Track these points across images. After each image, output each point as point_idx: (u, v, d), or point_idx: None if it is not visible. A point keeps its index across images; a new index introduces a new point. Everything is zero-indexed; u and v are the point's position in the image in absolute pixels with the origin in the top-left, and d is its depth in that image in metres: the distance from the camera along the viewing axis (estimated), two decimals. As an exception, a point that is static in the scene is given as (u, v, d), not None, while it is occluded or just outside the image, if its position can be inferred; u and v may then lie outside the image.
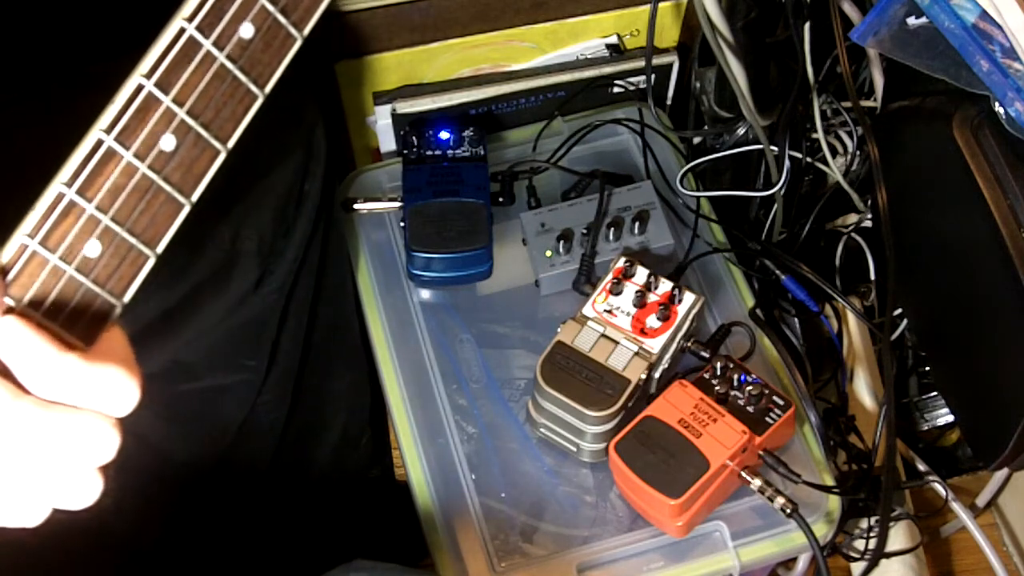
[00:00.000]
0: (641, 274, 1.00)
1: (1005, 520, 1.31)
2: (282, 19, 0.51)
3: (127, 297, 0.52)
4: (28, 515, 0.52)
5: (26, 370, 0.49)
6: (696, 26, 1.09)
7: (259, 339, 1.00)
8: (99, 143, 0.49)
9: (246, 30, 0.51)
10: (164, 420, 1.10)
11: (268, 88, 0.53)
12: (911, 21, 0.91)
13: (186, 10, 0.49)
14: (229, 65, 0.51)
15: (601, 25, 1.18)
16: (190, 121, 0.51)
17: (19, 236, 0.49)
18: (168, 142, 0.51)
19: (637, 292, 0.99)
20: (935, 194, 1.02)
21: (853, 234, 1.22)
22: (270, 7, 0.51)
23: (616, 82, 1.20)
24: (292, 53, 0.53)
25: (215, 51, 0.50)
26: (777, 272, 1.10)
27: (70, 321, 0.51)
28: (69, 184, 0.49)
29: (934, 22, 0.87)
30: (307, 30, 0.53)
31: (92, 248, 0.50)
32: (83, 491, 0.52)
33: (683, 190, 1.14)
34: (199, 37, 0.50)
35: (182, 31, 0.49)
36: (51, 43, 0.83)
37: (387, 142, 1.19)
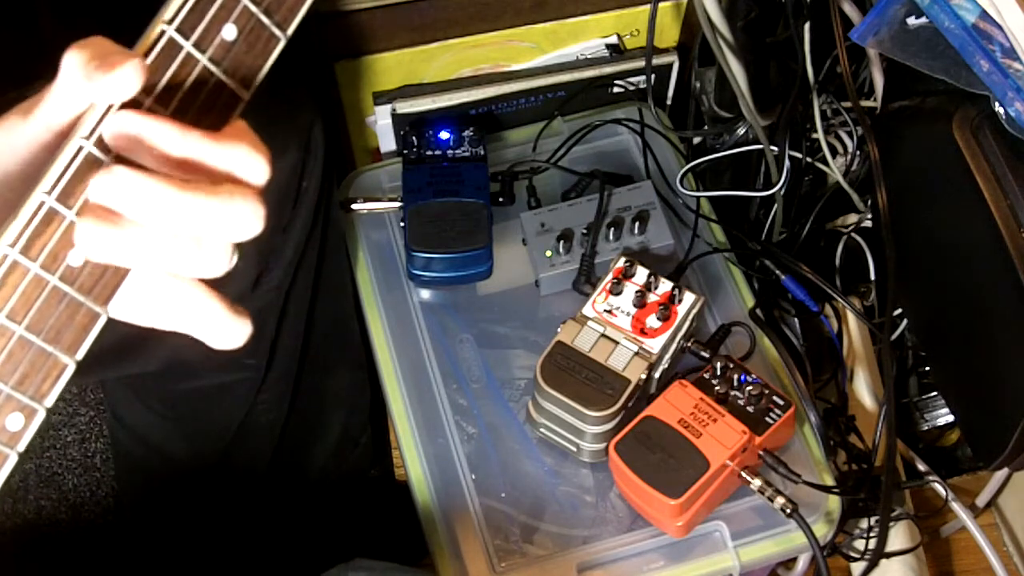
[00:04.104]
0: (641, 274, 1.00)
1: (1005, 520, 1.31)
2: (265, 19, 0.51)
3: (110, 307, 0.52)
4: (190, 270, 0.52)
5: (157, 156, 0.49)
6: (696, 26, 1.09)
7: (258, 338, 1.00)
8: (80, 149, 0.49)
9: (228, 32, 0.50)
10: (164, 419, 1.11)
11: (252, 89, 0.52)
12: (911, 21, 0.91)
13: (167, 13, 0.49)
14: (212, 68, 0.51)
15: (601, 25, 1.18)
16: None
17: (1, 246, 0.49)
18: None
19: (637, 292, 0.99)
20: (935, 194, 1.02)
21: (853, 234, 1.22)
22: (253, 7, 0.50)
23: (616, 82, 1.20)
24: (276, 54, 0.52)
25: (196, 53, 0.50)
26: (777, 272, 1.10)
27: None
28: (50, 192, 0.48)
29: (934, 22, 0.87)
30: (291, 30, 0.52)
31: (75, 256, 0.50)
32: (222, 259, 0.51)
33: (683, 190, 1.14)
34: (179, 39, 0.49)
35: (162, 33, 0.49)
36: None
37: (387, 142, 1.19)
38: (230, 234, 0.50)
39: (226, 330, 0.54)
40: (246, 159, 0.50)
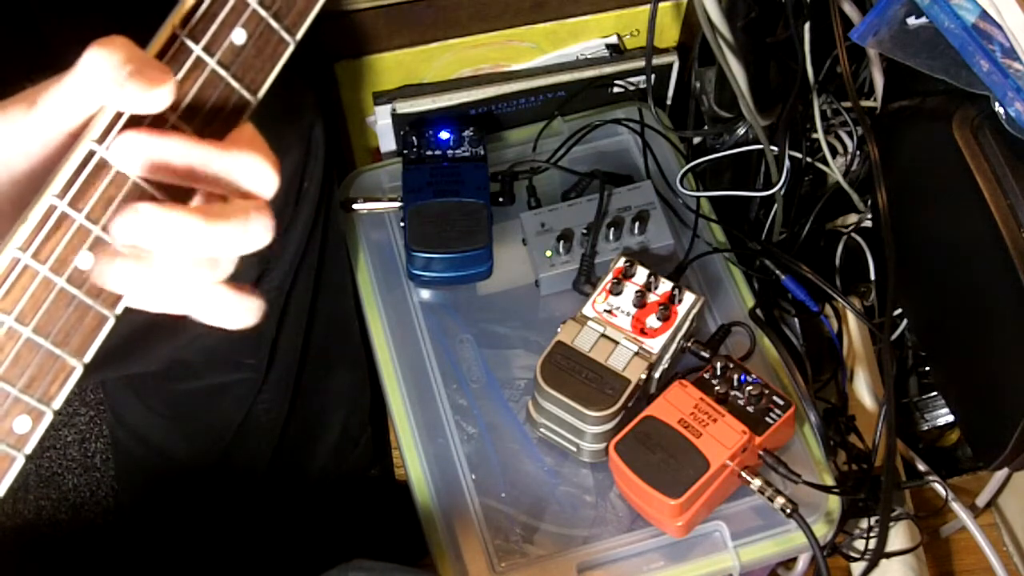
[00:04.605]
0: (641, 274, 1.00)
1: (1005, 520, 1.31)
2: (274, 24, 0.51)
3: (118, 310, 0.52)
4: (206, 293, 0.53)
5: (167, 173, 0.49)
6: (696, 26, 1.09)
7: (258, 338, 1.00)
8: (91, 153, 0.49)
9: (238, 36, 0.50)
10: (165, 419, 1.11)
11: (260, 94, 0.52)
12: (911, 21, 0.91)
13: (177, 16, 0.49)
14: (221, 72, 0.50)
15: (601, 25, 1.17)
16: (181, 126, 0.50)
17: (10, 249, 0.49)
18: None
19: (637, 292, 0.99)
20: (935, 194, 1.02)
21: (853, 234, 1.22)
22: (262, 12, 0.50)
23: (616, 82, 1.20)
24: (285, 58, 0.52)
25: (206, 57, 0.50)
26: (777, 272, 1.10)
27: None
28: (60, 196, 0.48)
29: (934, 22, 0.87)
30: (300, 34, 0.52)
31: (84, 259, 0.50)
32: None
33: (683, 190, 1.14)
34: (190, 43, 0.49)
35: (173, 36, 0.49)
36: None
37: (387, 142, 1.19)
38: (244, 250, 0.51)
39: (234, 312, 0.54)
40: (257, 170, 0.51)
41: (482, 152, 1.11)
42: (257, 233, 0.51)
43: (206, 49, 0.50)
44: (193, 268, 0.50)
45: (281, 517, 1.18)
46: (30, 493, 1.29)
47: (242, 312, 0.54)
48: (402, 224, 1.08)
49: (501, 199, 1.12)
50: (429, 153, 1.11)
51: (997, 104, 0.89)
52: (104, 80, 0.47)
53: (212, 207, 0.50)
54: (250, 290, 0.54)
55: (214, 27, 0.49)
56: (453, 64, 1.16)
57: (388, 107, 1.15)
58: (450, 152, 1.11)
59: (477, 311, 1.08)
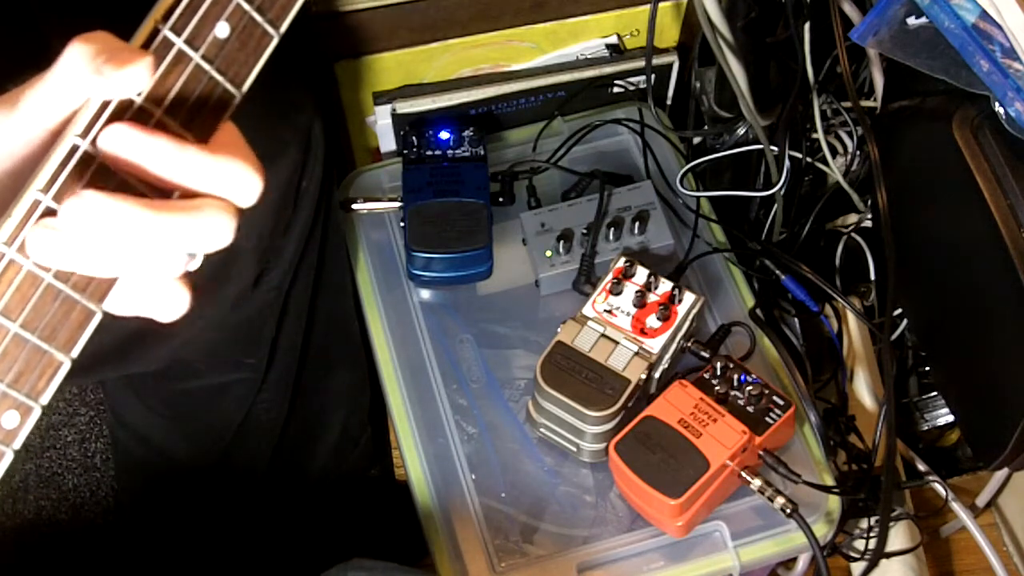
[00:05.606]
0: (641, 274, 1.00)
1: (1005, 520, 1.31)
2: (258, 17, 0.51)
3: (105, 305, 0.52)
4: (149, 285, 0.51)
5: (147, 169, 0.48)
6: (696, 26, 1.09)
7: (258, 337, 1.00)
8: (75, 147, 0.49)
9: (221, 29, 0.50)
10: (165, 419, 1.11)
11: (245, 87, 0.52)
12: (911, 21, 0.91)
13: (160, 10, 0.49)
14: (205, 65, 0.50)
15: (601, 25, 1.18)
16: (166, 121, 0.50)
17: None
18: None
19: (637, 292, 0.99)
20: (935, 194, 1.02)
21: (853, 234, 1.22)
22: (245, 5, 0.50)
23: (616, 82, 1.20)
24: (269, 52, 0.52)
25: (189, 50, 0.50)
26: (777, 272, 1.10)
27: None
28: (44, 190, 0.48)
29: (934, 22, 0.87)
30: (283, 28, 0.52)
31: None
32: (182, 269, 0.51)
33: (683, 190, 1.14)
34: (172, 37, 0.49)
35: (155, 30, 0.49)
36: None
37: (387, 142, 1.19)
38: (197, 246, 0.50)
39: (174, 305, 0.53)
40: (241, 175, 0.50)
41: (482, 152, 1.11)
42: (211, 230, 0.49)
43: (189, 42, 0.49)
44: (143, 260, 0.49)
45: (281, 517, 1.18)
46: (30, 493, 1.29)
47: (177, 304, 0.52)
48: (402, 224, 1.08)
49: (501, 199, 1.12)
50: (429, 153, 1.11)
51: (997, 104, 0.89)
52: (82, 70, 0.47)
53: (163, 200, 0.49)
54: (186, 281, 0.52)
55: (196, 21, 0.49)
56: (453, 64, 1.16)
57: (388, 107, 1.15)
58: (450, 152, 1.11)
59: (477, 311, 1.08)
